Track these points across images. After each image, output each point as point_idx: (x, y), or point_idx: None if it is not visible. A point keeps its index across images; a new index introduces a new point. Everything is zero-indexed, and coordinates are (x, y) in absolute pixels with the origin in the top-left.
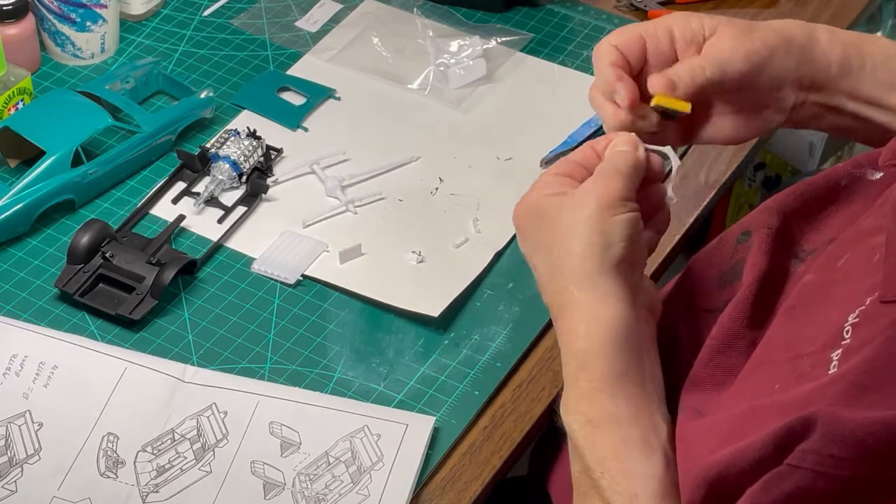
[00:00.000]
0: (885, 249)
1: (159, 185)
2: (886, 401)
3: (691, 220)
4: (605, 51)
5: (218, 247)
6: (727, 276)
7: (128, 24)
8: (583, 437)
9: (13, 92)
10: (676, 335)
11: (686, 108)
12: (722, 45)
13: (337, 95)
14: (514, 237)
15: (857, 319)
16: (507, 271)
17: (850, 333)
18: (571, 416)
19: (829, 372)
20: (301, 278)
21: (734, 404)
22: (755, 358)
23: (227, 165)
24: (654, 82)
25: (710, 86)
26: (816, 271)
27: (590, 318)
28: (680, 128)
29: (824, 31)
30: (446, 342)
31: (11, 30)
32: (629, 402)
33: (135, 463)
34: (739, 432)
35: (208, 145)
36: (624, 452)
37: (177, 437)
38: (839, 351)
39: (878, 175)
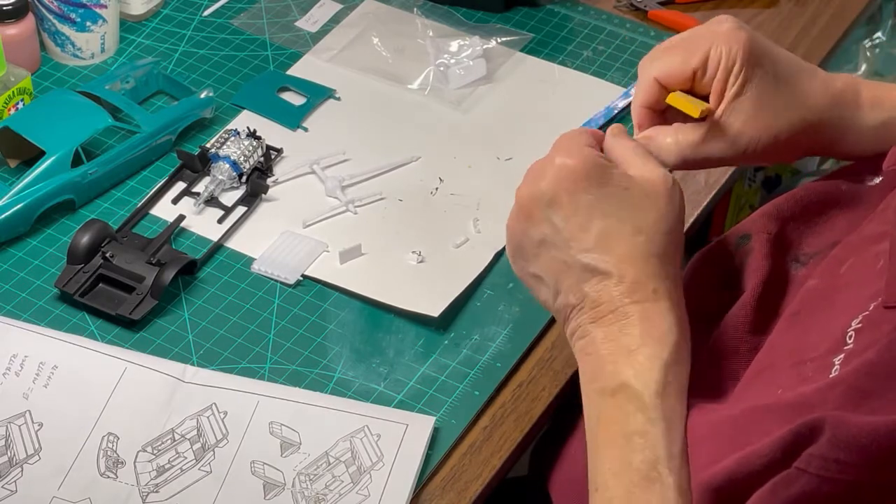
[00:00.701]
0: (888, 256)
1: (159, 185)
2: (889, 405)
3: (691, 220)
4: (644, 86)
5: (218, 247)
6: (727, 281)
7: (128, 24)
8: (665, 428)
9: (13, 92)
10: None
11: (694, 113)
12: (730, 129)
13: (337, 95)
14: None
15: (860, 325)
16: (507, 271)
17: (853, 338)
18: (657, 402)
19: (831, 375)
20: (301, 278)
21: (736, 408)
22: (757, 363)
23: (227, 165)
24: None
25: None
26: (820, 277)
27: (682, 317)
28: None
29: (868, 107)
30: (446, 342)
31: (11, 30)
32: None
33: (135, 463)
34: (743, 436)
35: (208, 145)
36: (688, 457)
37: (177, 437)
38: (841, 356)
39: (877, 180)
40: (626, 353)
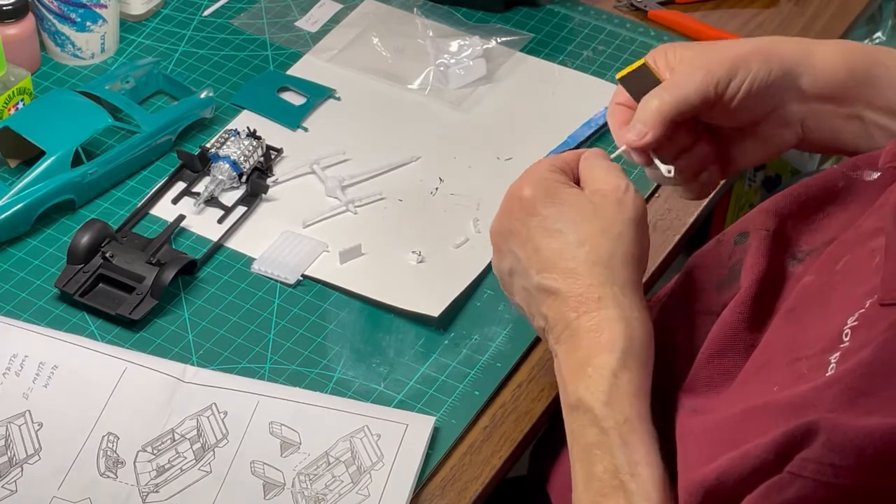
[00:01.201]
0: (884, 252)
1: (159, 185)
2: (885, 407)
3: (691, 220)
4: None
5: (218, 247)
6: (725, 278)
7: (128, 24)
8: (619, 436)
9: (13, 92)
10: (675, 336)
11: (662, 78)
12: (681, 68)
13: (337, 95)
14: None
15: (856, 322)
16: None
17: (849, 336)
18: (606, 412)
19: (827, 374)
20: (301, 278)
21: (732, 405)
22: (754, 360)
23: (227, 165)
24: (624, 138)
25: (683, 111)
26: (816, 273)
27: (631, 320)
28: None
29: (823, 42)
30: (446, 342)
31: (11, 30)
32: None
33: (135, 463)
34: (738, 435)
35: (208, 145)
36: (655, 459)
37: (177, 437)
38: (837, 354)
39: (875, 175)
40: (578, 368)
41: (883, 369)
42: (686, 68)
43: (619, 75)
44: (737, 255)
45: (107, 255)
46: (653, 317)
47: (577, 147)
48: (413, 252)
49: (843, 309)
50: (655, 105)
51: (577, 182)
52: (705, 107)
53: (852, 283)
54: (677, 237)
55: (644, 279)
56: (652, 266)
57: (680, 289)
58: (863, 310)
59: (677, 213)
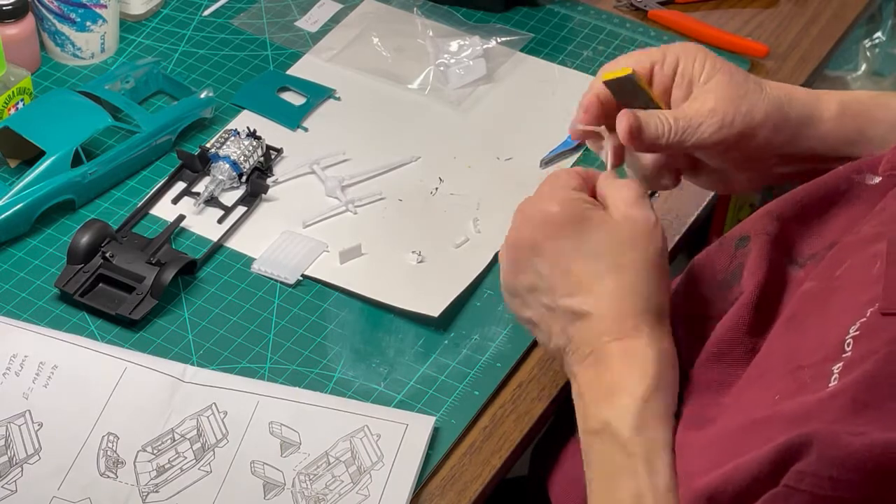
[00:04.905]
0: (885, 259)
1: (159, 185)
2: (887, 420)
3: (691, 220)
4: (597, 82)
5: (218, 247)
6: (726, 282)
7: (128, 24)
8: (646, 462)
9: (13, 92)
10: (676, 339)
11: (627, 71)
12: (703, 106)
13: (337, 95)
14: None
15: (857, 332)
16: None
17: (851, 346)
18: (636, 439)
19: (830, 385)
20: (301, 278)
21: (734, 414)
22: (755, 367)
23: (227, 165)
24: (622, 122)
25: (677, 147)
26: (817, 279)
27: (661, 350)
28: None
29: (834, 105)
30: (446, 342)
31: (11, 30)
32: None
33: (135, 463)
34: (739, 447)
35: (208, 145)
36: (674, 485)
37: (177, 437)
38: (840, 364)
39: (877, 180)
40: (607, 393)
41: (886, 383)
42: (705, 111)
43: (604, 77)
44: (738, 258)
45: (107, 255)
46: None
47: (577, 147)
48: (413, 252)
49: (845, 316)
50: (655, 132)
51: (594, 195)
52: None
53: (853, 289)
54: (677, 237)
55: None
56: None
57: (681, 291)
58: (864, 318)
59: (677, 213)
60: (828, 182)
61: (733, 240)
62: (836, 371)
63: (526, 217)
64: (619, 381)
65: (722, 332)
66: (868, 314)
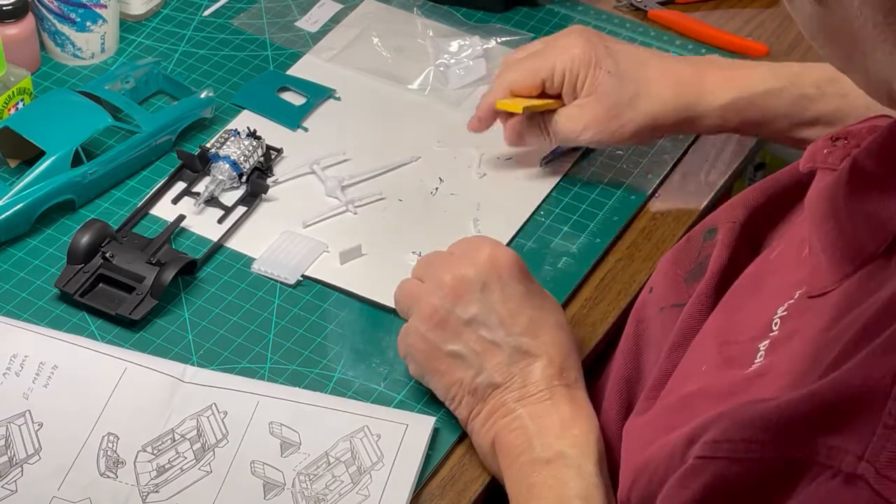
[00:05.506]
0: (808, 245)
1: (159, 185)
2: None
3: (691, 220)
4: (498, 92)
5: (218, 247)
6: (693, 274)
7: (128, 24)
8: (604, 486)
9: (13, 92)
10: (648, 331)
11: (518, 110)
12: (576, 125)
13: (337, 95)
14: (513, 237)
15: (785, 313)
16: None
17: (778, 326)
18: (594, 469)
19: (755, 362)
20: (301, 278)
21: (669, 390)
22: (694, 346)
23: (227, 165)
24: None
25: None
26: (755, 263)
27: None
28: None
29: (722, 101)
30: None
31: (11, 30)
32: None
33: (135, 463)
34: (671, 423)
35: (208, 145)
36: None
37: (177, 437)
38: (766, 342)
39: None
40: (560, 427)
41: (811, 361)
42: (578, 128)
43: (497, 106)
44: (705, 250)
45: (107, 255)
46: (633, 315)
47: (576, 148)
48: (413, 252)
49: (775, 298)
50: (535, 143)
51: None
52: None
53: (783, 272)
54: (677, 237)
55: (643, 279)
56: (651, 265)
57: (652, 286)
58: (792, 300)
59: (677, 213)
60: (793, 172)
61: (700, 233)
62: (762, 349)
63: (472, 257)
64: (573, 419)
65: (684, 319)
66: (796, 296)
